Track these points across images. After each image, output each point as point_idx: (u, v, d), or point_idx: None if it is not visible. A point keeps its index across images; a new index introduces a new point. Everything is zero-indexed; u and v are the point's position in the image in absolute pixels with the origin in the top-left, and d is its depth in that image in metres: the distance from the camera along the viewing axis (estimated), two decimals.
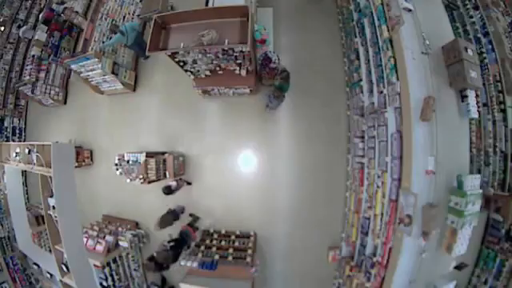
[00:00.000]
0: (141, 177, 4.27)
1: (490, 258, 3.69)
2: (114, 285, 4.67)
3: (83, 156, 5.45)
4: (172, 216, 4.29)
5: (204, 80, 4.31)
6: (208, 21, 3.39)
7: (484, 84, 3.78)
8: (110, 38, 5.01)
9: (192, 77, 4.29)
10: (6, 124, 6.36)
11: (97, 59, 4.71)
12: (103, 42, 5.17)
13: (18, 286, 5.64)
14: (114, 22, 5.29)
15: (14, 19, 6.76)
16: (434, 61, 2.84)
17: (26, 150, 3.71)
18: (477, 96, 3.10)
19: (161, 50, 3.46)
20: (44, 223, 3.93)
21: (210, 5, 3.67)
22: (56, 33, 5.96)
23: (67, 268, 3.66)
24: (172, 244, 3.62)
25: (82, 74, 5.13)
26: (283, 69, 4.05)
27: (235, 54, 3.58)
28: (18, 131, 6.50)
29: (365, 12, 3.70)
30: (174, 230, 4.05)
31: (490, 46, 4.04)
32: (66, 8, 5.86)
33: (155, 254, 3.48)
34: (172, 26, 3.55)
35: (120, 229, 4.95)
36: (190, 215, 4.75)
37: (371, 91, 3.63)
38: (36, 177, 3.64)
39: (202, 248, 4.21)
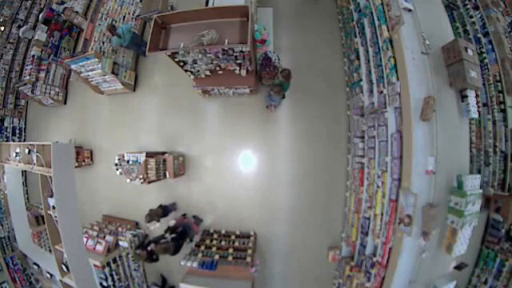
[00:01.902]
0: (141, 177, 4.26)
1: (490, 257, 3.70)
2: (114, 285, 4.68)
3: (83, 156, 5.45)
4: (161, 211, 4.32)
5: (204, 80, 4.31)
6: (208, 21, 3.39)
7: (484, 84, 3.79)
8: (109, 39, 5.09)
9: (192, 77, 4.29)
10: (6, 124, 6.35)
11: (97, 59, 4.71)
12: (103, 43, 5.18)
13: (18, 286, 5.63)
14: (111, 22, 5.28)
15: (14, 19, 6.76)
16: (434, 61, 2.84)
17: (26, 150, 3.71)
18: (477, 96, 3.10)
19: (161, 50, 3.46)
20: (44, 223, 3.93)
21: (210, 5, 3.67)
22: (56, 33, 5.95)
23: (67, 268, 3.67)
24: (173, 236, 3.59)
25: (82, 74, 5.12)
26: (285, 68, 4.05)
27: (235, 54, 3.58)
28: (17, 131, 6.49)
29: (365, 12, 3.70)
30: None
31: (490, 46, 4.04)
32: (66, 8, 5.86)
33: (153, 246, 3.42)
34: (172, 26, 3.55)
35: (120, 229, 4.95)
36: (194, 217, 4.75)
37: (371, 91, 3.63)
38: (36, 177, 3.65)
39: (202, 248, 4.21)
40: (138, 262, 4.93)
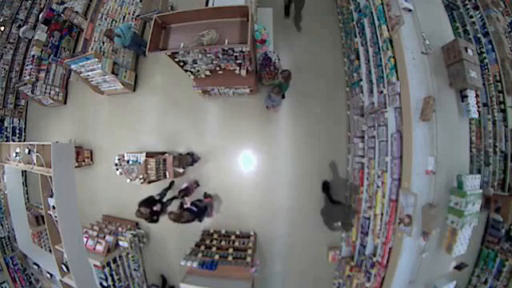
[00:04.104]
0: (141, 177, 4.26)
1: (490, 257, 3.70)
2: (113, 285, 4.68)
3: (83, 156, 5.45)
4: (191, 158, 4.50)
5: (204, 80, 4.31)
6: (208, 21, 3.39)
7: (484, 84, 3.78)
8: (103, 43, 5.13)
9: (192, 77, 4.29)
10: (6, 124, 6.35)
11: (97, 59, 4.71)
12: (103, 43, 5.18)
13: (18, 286, 5.63)
14: (107, 27, 5.25)
15: (14, 19, 6.76)
16: (434, 61, 2.84)
17: (26, 150, 3.71)
18: (477, 96, 3.10)
19: (161, 50, 3.46)
20: (44, 223, 3.93)
21: (210, 5, 3.66)
22: (56, 33, 5.96)
23: (67, 268, 3.67)
24: (193, 208, 3.63)
25: (82, 74, 5.12)
26: (285, 69, 4.05)
27: (235, 54, 3.58)
28: (17, 131, 6.49)
29: (365, 12, 3.70)
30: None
31: (490, 46, 4.03)
32: (66, 8, 5.87)
33: (158, 207, 3.62)
34: (172, 26, 3.55)
35: (120, 229, 4.95)
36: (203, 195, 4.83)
37: (371, 91, 3.63)
38: (36, 177, 3.64)
39: (202, 248, 4.21)
40: (139, 218, 3.88)
